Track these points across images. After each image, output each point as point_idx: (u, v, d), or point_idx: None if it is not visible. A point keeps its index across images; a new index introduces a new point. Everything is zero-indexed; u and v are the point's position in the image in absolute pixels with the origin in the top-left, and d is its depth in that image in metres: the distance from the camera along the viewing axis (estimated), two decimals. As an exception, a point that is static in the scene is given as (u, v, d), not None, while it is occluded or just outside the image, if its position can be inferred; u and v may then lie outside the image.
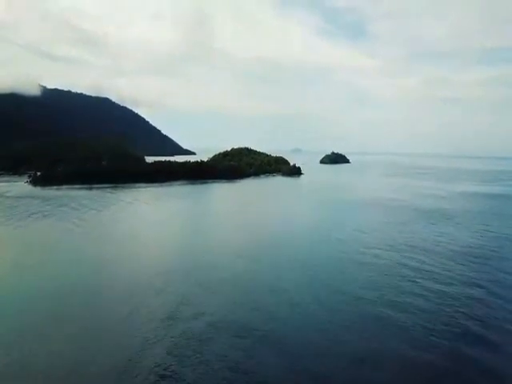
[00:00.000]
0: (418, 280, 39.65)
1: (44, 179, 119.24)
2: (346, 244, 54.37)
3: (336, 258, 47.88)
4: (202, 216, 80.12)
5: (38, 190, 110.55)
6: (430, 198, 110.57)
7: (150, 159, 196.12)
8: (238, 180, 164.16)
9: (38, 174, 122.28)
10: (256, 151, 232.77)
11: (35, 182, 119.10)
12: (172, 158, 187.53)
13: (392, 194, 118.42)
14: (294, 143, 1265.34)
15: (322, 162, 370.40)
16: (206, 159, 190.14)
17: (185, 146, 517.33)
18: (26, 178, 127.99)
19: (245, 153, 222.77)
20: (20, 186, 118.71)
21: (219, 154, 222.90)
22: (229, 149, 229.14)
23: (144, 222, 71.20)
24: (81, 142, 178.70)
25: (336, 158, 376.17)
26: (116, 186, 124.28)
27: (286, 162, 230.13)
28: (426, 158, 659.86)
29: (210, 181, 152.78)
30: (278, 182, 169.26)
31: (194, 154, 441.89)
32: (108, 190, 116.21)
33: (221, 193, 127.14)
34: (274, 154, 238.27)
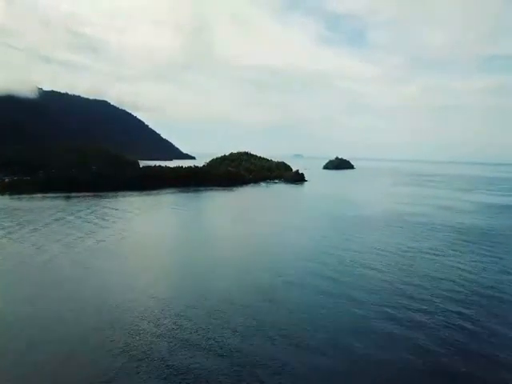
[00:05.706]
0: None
1: (13, 187, 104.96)
2: (365, 286, 39.78)
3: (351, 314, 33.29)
4: (178, 242, 64.46)
5: (1, 200, 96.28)
6: (454, 211, 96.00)
7: (147, 163, 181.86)
8: (236, 188, 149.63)
9: (6, 180, 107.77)
10: (256, 156, 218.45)
11: (3, 189, 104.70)
12: (171, 163, 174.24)
13: (409, 207, 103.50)
14: (294, 149, 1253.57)
15: (325, 167, 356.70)
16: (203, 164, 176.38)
17: (185, 150, 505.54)
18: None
19: (244, 158, 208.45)
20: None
21: (217, 158, 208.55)
22: (228, 154, 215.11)
23: (93, 251, 51.48)
24: (69, 147, 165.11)
25: (340, 164, 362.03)
26: (96, 195, 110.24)
27: (288, 167, 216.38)
28: (428, 165, 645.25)
29: (204, 188, 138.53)
30: (280, 190, 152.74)
31: (193, 158, 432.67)
32: (85, 199, 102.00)
33: (212, 204, 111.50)
34: (275, 160, 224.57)
